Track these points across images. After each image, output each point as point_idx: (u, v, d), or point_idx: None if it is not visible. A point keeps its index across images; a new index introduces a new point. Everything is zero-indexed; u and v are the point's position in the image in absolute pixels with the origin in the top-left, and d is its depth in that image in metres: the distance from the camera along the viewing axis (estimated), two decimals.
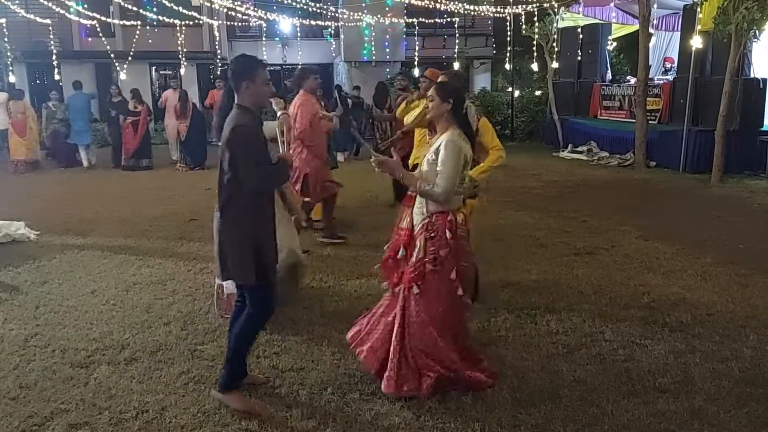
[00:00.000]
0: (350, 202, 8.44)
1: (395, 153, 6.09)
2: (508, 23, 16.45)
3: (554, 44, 15.24)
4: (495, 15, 17.20)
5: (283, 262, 4.24)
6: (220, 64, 19.17)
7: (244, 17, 17.29)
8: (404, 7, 18.25)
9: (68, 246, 6.79)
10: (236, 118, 3.29)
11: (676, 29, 13.80)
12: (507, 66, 17.60)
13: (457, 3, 15.70)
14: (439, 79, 4.39)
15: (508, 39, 16.73)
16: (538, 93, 17.38)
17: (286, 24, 19.30)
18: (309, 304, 4.86)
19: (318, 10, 17.94)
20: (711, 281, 5.36)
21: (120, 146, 13.00)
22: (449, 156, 3.38)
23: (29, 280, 5.64)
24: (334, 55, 21.49)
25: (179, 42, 16.91)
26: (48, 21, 14.25)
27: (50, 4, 12.41)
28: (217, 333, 4.31)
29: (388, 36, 19.24)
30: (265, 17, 17.19)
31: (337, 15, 17.95)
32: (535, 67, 16.07)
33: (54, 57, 14.17)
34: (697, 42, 10.75)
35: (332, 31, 20.61)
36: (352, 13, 17.16)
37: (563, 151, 14.35)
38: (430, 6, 15.62)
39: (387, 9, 18.17)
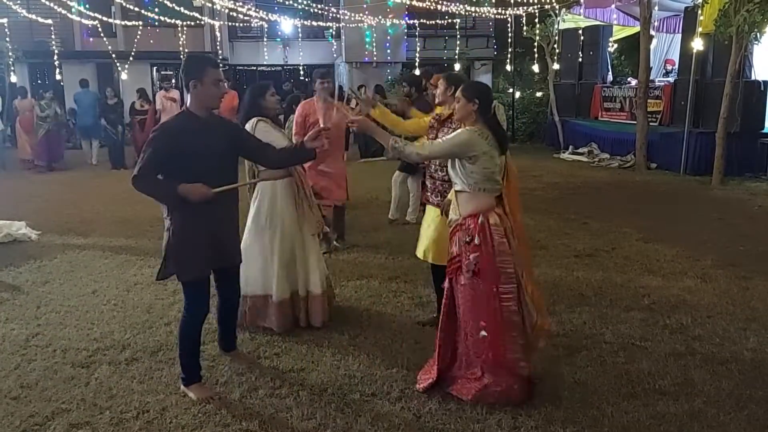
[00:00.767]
0: (350, 202, 8.41)
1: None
2: (509, 24, 16.48)
3: (555, 46, 15.22)
4: (496, 16, 17.23)
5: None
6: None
7: (246, 18, 17.29)
8: (405, 8, 18.25)
9: (69, 246, 6.80)
10: (170, 119, 3.40)
11: (677, 31, 13.78)
12: (508, 67, 17.64)
13: (458, 4, 15.71)
14: (439, 81, 4.39)
15: (509, 40, 16.76)
16: (538, 94, 17.36)
17: (287, 25, 19.34)
18: None
19: (319, 11, 17.97)
20: (711, 283, 5.35)
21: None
22: (453, 137, 3.46)
23: (30, 279, 5.65)
24: (335, 56, 21.51)
25: (181, 42, 16.94)
26: (49, 21, 14.26)
27: (52, 5, 12.41)
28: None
29: (389, 37, 19.26)
30: (266, 18, 17.21)
31: (338, 16, 17.97)
32: (536, 68, 16.04)
33: (55, 57, 14.19)
34: (698, 44, 10.74)
35: (333, 32, 20.63)
36: (353, 14, 17.18)
37: (564, 152, 14.34)
38: (431, 7, 15.64)
39: (388, 10, 18.18)
